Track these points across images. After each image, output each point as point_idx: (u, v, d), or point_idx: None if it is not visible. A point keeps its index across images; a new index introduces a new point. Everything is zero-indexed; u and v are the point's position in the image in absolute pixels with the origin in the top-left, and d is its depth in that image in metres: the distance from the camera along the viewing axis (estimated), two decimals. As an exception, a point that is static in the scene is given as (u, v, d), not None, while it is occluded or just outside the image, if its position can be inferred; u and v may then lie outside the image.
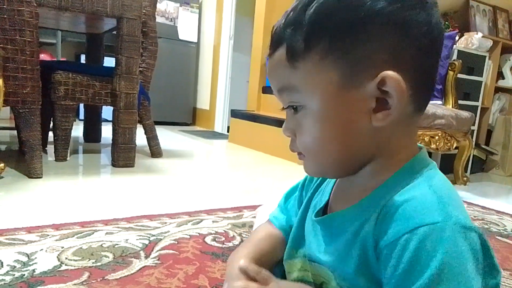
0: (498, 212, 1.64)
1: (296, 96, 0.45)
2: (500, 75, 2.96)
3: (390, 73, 0.41)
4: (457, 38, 2.47)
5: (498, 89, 2.96)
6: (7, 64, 1.46)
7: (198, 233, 1.06)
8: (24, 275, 0.76)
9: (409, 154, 0.46)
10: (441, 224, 0.37)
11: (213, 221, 1.18)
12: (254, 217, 1.18)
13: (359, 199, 0.46)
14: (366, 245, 0.42)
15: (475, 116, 2.51)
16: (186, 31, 4.02)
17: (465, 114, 1.97)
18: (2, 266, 0.79)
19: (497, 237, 1.30)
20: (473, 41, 2.47)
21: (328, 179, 0.57)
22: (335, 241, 0.47)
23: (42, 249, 0.88)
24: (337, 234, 0.47)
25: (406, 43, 0.42)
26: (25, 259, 0.83)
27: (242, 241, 1.04)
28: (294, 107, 0.46)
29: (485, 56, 2.55)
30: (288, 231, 0.62)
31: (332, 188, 0.54)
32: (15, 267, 0.79)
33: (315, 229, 0.52)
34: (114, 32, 1.89)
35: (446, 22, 2.65)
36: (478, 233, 0.39)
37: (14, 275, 0.76)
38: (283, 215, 0.66)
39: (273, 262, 0.61)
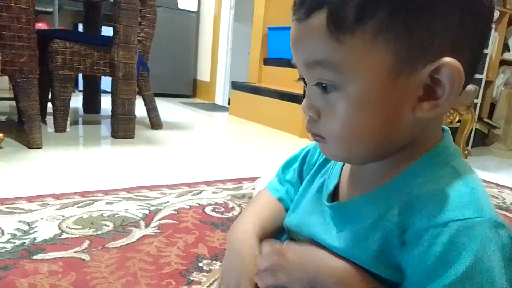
0: (498, 185, 1.64)
1: (332, 75, 0.38)
2: (506, 48, 2.91)
3: (450, 60, 0.35)
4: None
5: (504, 62, 2.90)
6: (3, 32, 1.42)
7: (198, 204, 1.07)
8: (25, 243, 0.77)
9: (434, 140, 0.42)
10: (474, 220, 0.35)
11: (212, 192, 1.18)
12: (254, 188, 1.18)
13: (377, 185, 0.43)
14: (388, 234, 0.39)
15: (479, 89, 2.48)
16: (186, 0, 3.92)
17: (468, 86, 1.93)
18: (3, 234, 0.79)
19: (496, 209, 1.30)
20: (480, 11, 2.41)
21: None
22: (350, 227, 0.44)
23: (42, 218, 0.89)
24: (352, 221, 0.44)
25: (467, 25, 0.36)
26: (25, 227, 0.84)
27: (241, 211, 1.05)
28: (324, 85, 0.39)
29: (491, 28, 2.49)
30: (287, 202, 0.60)
31: (341, 170, 0.50)
32: (16, 235, 0.80)
33: (323, 212, 0.49)
34: (112, 0, 1.84)
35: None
36: (508, 229, 0.37)
37: (15, 243, 0.76)
38: (282, 186, 0.63)
39: (276, 229, 0.59)
